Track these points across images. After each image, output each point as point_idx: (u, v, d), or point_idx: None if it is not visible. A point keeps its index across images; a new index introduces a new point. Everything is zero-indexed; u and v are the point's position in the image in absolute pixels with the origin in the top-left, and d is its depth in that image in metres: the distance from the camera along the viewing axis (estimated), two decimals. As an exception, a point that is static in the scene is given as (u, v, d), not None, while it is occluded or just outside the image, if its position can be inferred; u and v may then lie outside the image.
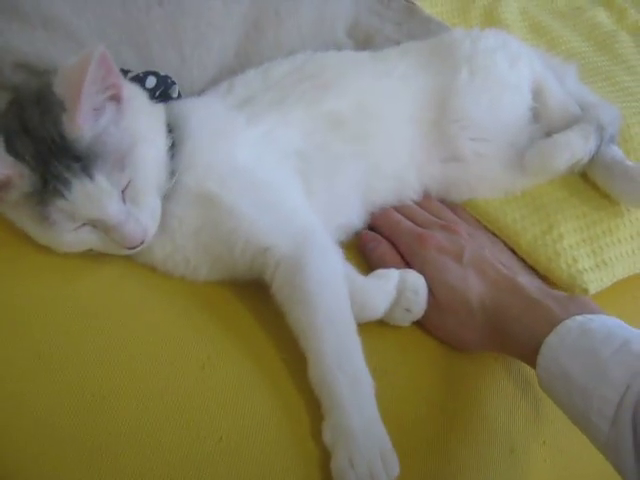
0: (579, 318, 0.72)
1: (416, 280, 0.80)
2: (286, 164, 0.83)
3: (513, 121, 0.94)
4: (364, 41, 1.08)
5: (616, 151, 0.93)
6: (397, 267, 0.83)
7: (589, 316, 0.72)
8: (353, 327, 0.72)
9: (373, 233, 0.89)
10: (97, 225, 0.72)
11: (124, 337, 0.71)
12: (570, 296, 0.79)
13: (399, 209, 0.91)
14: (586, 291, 0.85)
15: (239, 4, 0.94)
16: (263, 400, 0.70)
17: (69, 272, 0.74)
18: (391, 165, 0.90)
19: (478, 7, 1.25)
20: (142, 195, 0.73)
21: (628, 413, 0.63)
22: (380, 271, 0.81)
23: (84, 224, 0.72)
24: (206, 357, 0.71)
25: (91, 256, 0.75)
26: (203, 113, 0.83)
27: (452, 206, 0.93)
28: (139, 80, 0.80)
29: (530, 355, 0.74)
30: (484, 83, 0.93)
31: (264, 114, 0.84)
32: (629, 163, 0.91)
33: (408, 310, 0.80)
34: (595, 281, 0.86)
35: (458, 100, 0.92)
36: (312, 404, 0.69)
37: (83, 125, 0.69)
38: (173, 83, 0.83)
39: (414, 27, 1.11)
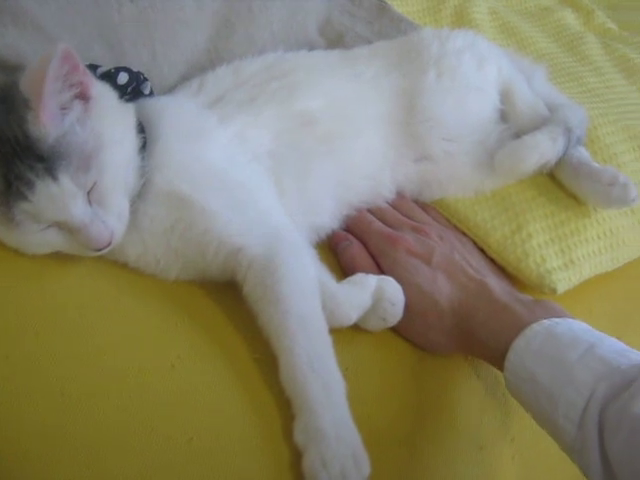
0: (545, 322, 0.73)
1: (394, 291, 0.79)
2: (258, 164, 0.82)
3: (480, 122, 0.95)
4: (335, 39, 1.08)
5: (583, 153, 0.94)
6: (368, 268, 0.83)
7: (555, 320, 0.73)
8: (324, 328, 0.72)
9: (345, 233, 0.89)
10: (63, 227, 0.71)
11: (93, 337, 0.70)
12: (537, 300, 0.80)
13: (372, 210, 0.91)
14: (554, 290, 0.86)
15: (211, 1, 0.93)
16: (234, 400, 0.70)
17: (37, 271, 0.73)
18: (364, 165, 0.90)
19: (448, 7, 1.26)
20: (108, 196, 0.72)
21: (594, 417, 0.64)
22: (357, 277, 0.80)
23: (50, 226, 0.70)
24: (176, 356, 0.71)
25: (59, 255, 0.74)
26: (174, 113, 0.82)
27: (424, 206, 0.94)
28: (110, 76, 0.79)
29: (498, 358, 0.75)
30: (451, 84, 0.94)
31: (235, 114, 0.84)
32: (595, 165, 0.93)
33: (384, 319, 0.79)
34: (563, 280, 0.87)
35: (426, 100, 0.93)
36: (283, 404, 0.68)
37: (48, 124, 0.67)
38: (145, 80, 0.82)
39: (385, 26, 1.11)
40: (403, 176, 0.93)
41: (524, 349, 0.71)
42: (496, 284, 0.82)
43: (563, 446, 0.69)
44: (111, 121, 0.73)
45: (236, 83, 0.89)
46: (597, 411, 0.64)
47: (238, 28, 0.97)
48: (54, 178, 0.67)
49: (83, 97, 0.71)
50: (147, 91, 0.82)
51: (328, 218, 0.88)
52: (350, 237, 0.88)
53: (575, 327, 0.72)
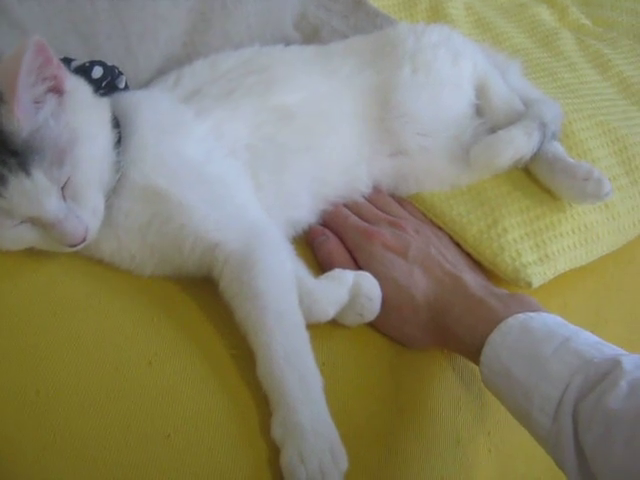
0: (520, 316, 0.73)
1: (371, 286, 0.80)
2: (235, 158, 0.82)
3: (455, 117, 0.95)
4: (311, 33, 1.08)
5: (558, 147, 0.95)
6: (344, 263, 0.84)
7: (530, 314, 0.73)
8: (301, 323, 0.72)
9: (322, 228, 0.89)
10: (36, 222, 0.70)
11: (69, 334, 0.70)
12: (512, 294, 0.80)
13: (348, 205, 0.91)
14: (530, 284, 0.86)
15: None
16: (211, 396, 0.70)
17: (10, 267, 0.73)
18: (340, 160, 0.90)
19: (424, 1, 1.25)
20: (83, 192, 0.71)
21: (568, 410, 0.65)
22: (334, 273, 0.80)
23: (23, 221, 0.69)
24: (153, 353, 0.71)
25: (34, 251, 0.73)
26: (150, 107, 0.81)
27: (400, 200, 0.94)
28: (85, 70, 0.78)
29: (473, 353, 0.75)
30: (426, 79, 0.94)
31: (212, 108, 0.84)
32: (570, 160, 0.93)
33: (361, 315, 0.80)
34: (538, 274, 0.87)
35: (400, 96, 0.93)
36: (261, 400, 0.69)
37: (21, 117, 0.66)
38: (120, 74, 0.81)
39: (361, 20, 1.11)
40: (379, 171, 0.93)
41: (499, 343, 0.72)
42: (472, 278, 0.82)
43: (538, 439, 0.69)
44: (85, 115, 0.73)
45: (213, 77, 0.88)
46: (572, 404, 0.65)
47: (214, 23, 0.96)
48: (27, 173, 0.66)
49: (57, 91, 0.71)
50: (122, 85, 0.82)
51: (305, 213, 0.88)
52: (327, 232, 0.88)
53: (550, 321, 0.73)
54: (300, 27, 1.07)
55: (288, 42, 1.02)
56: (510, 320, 0.73)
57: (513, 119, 0.95)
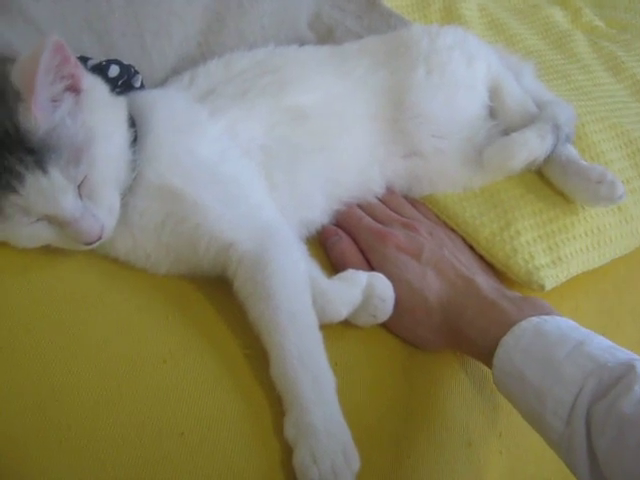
0: (534, 319, 0.73)
1: (385, 287, 0.80)
2: (249, 158, 0.82)
3: (469, 118, 0.95)
4: (325, 34, 1.08)
5: (571, 150, 0.95)
6: (357, 264, 0.84)
7: (544, 317, 0.73)
8: (315, 323, 0.73)
9: (335, 228, 0.89)
10: (53, 220, 0.70)
11: (84, 331, 0.70)
12: (525, 297, 0.80)
13: (362, 206, 0.91)
14: (542, 287, 0.86)
15: (201, -5, 0.93)
16: (225, 395, 0.70)
17: (27, 265, 0.73)
18: (353, 160, 0.90)
19: (437, 2, 1.25)
20: (99, 190, 0.71)
21: (582, 413, 0.65)
22: (348, 273, 0.80)
23: (40, 219, 0.70)
24: (167, 351, 0.71)
25: (49, 248, 0.73)
26: (166, 106, 0.82)
27: (414, 202, 0.94)
28: (101, 69, 0.78)
29: (486, 355, 0.75)
30: (440, 81, 0.94)
31: (227, 107, 0.84)
32: (583, 162, 0.93)
33: (374, 316, 0.80)
34: (551, 277, 0.87)
35: (415, 97, 0.93)
36: (274, 400, 0.69)
37: (39, 116, 0.67)
38: (136, 72, 0.81)
39: (375, 21, 1.11)
40: (392, 172, 0.93)
41: (512, 346, 0.72)
42: (484, 281, 0.82)
43: (550, 443, 0.69)
44: (102, 114, 0.73)
45: (227, 77, 0.88)
46: (585, 408, 0.65)
47: (229, 22, 0.96)
48: (44, 171, 0.67)
49: (74, 90, 0.71)
50: (138, 84, 0.82)
51: (318, 213, 0.88)
52: (340, 232, 0.88)
53: (563, 325, 0.73)
54: (314, 27, 1.07)
55: (302, 42, 1.02)
56: (523, 323, 0.73)
57: (526, 121, 0.95)
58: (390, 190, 0.94)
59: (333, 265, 0.86)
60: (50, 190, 0.67)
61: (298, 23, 1.05)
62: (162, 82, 0.91)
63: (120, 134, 0.75)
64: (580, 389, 0.66)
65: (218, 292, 0.77)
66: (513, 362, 0.71)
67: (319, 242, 0.89)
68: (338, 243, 0.87)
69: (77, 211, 0.69)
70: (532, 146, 0.91)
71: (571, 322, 0.74)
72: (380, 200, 0.93)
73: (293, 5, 1.04)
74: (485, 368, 0.81)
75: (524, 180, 0.96)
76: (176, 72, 0.92)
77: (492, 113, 0.98)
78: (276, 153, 0.84)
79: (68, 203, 0.69)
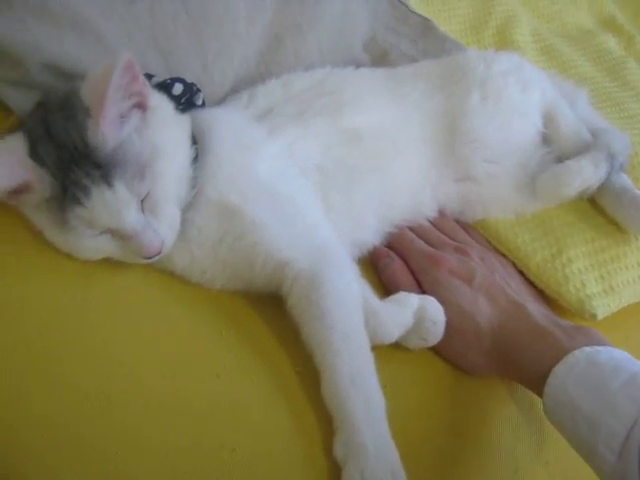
0: (587, 349, 0.73)
1: (436, 311, 0.80)
2: (306, 178, 0.84)
3: (523, 145, 0.95)
4: (380, 56, 1.08)
5: (625, 179, 0.95)
6: (408, 285, 0.84)
7: (597, 348, 0.73)
8: (367, 344, 0.73)
9: (387, 249, 0.89)
10: (115, 234, 0.72)
11: (141, 343, 0.72)
12: (577, 326, 0.80)
13: (413, 228, 0.92)
14: (594, 316, 0.86)
15: (262, 15, 0.94)
16: (276, 412, 0.71)
17: (87, 276, 0.74)
18: (406, 183, 0.91)
19: (491, 27, 1.25)
20: (161, 206, 0.73)
21: (636, 447, 0.64)
22: (400, 296, 0.80)
23: (103, 232, 0.72)
24: (222, 366, 0.72)
25: (110, 261, 0.75)
26: (226, 124, 0.83)
27: (465, 226, 0.95)
28: (165, 87, 0.80)
29: (535, 382, 0.75)
30: (495, 106, 0.95)
31: (284, 127, 0.85)
32: (637, 192, 0.93)
33: (424, 339, 0.80)
34: (603, 306, 0.87)
35: (469, 122, 0.93)
36: (324, 418, 0.69)
37: (107, 132, 0.69)
38: (198, 91, 0.83)
39: (429, 44, 1.11)
40: (444, 195, 0.94)
41: (565, 375, 0.72)
42: (536, 308, 0.82)
43: (600, 474, 0.68)
44: (167, 132, 0.75)
45: (285, 97, 0.90)
46: (638, 442, 0.64)
47: (287, 43, 0.97)
48: (109, 185, 0.69)
49: (141, 107, 0.73)
50: (199, 102, 0.83)
51: (370, 234, 0.89)
52: (391, 254, 0.89)
53: (617, 355, 0.73)
54: (369, 49, 1.08)
55: (357, 64, 1.03)
56: (577, 352, 0.73)
57: (580, 149, 0.95)
58: (442, 214, 0.94)
59: (384, 286, 0.86)
60: (114, 204, 0.69)
61: (353, 45, 1.06)
62: (221, 101, 0.92)
63: (183, 151, 0.77)
64: (634, 422, 0.65)
65: (269, 309, 0.78)
66: (566, 391, 0.71)
67: (370, 263, 0.89)
68: (390, 265, 0.87)
69: (139, 225, 0.71)
70: (586, 174, 0.91)
71: (625, 353, 0.73)
72: (432, 223, 0.93)
73: (349, 28, 1.05)
74: (532, 395, 0.80)
75: (576, 207, 0.96)
76: (234, 91, 0.94)
77: (546, 140, 0.98)
78: (332, 174, 0.85)
79: (131, 217, 0.70)
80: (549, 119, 0.98)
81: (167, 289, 0.77)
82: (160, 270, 0.78)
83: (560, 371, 0.72)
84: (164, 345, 0.72)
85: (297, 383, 0.73)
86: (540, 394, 0.74)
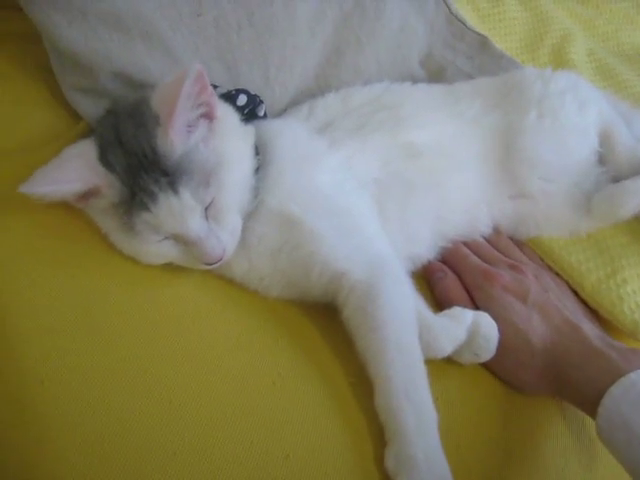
0: None
1: (490, 327, 0.80)
2: (364, 191, 0.85)
3: (578, 163, 0.95)
4: (436, 72, 1.09)
5: (682, 202, 0.94)
6: (461, 300, 0.85)
7: None
8: (420, 357, 0.73)
9: (440, 264, 0.90)
10: (179, 240, 0.74)
11: (200, 348, 0.73)
12: (632, 349, 0.79)
13: (468, 244, 0.92)
14: (649, 338, 0.86)
15: (323, 29, 0.96)
16: (329, 420, 0.72)
17: (150, 280, 0.77)
18: (461, 199, 0.91)
19: (546, 45, 1.25)
20: (224, 213, 0.75)
21: None
22: (454, 311, 0.81)
23: (167, 237, 0.74)
24: (277, 373, 0.73)
25: (172, 266, 0.77)
26: (288, 136, 0.85)
27: (519, 244, 0.95)
28: (230, 97, 0.82)
29: (588, 403, 0.75)
30: (552, 125, 0.94)
31: (344, 140, 0.86)
32: (693, 215, 0.92)
33: (476, 355, 0.80)
34: (657, 329, 0.87)
35: (526, 140, 0.93)
36: (376, 429, 0.70)
37: (176, 140, 0.71)
38: (261, 102, 0.85)
39: (486, 62, 1.12)
40: (499, 212, 0.94)
41: (620, 397, 0.71)
42: (590, 329, 0.82)
43: (655, 499, 0.68)
44: (232, 142, 0.77)
45: (344, 111, 0.91)
46: None
47: (347, 57, 0.99)
48: (176, 192, 0.71)
49: (208, 117, 0.75)
50: (261, 113, 0.85)
51: (425, 248, 0.90)
52: (445, 268, 0.89)
53: None
54: (426, 65, 1.09)
55: (414, 79, 1.04)
56: (632, 375, 0.72)
57: (636, 169, 0.94)
58: (496, 230, 0.95)
59: (437, 300, 0.87)
60: (180, 210, 0.71)
61: (411, 60, 1.07)
62: (281, 112, 0.94)
63: (247, 161, 0.78)
64: None
65: (323, 319, 0.79)
66: (621, 413, 0.70)
67: (423, 277, 0.90)
68: (443, 279, 0.88)
69: (203, 231, 0.73)
70: (643, 195, 0.91)
71: None
72: (487, 240, 0.94)
73: (407, 43, 1.06)
74: (584, 415, 0.80)
75: (632, 228, 0.95)
76: (293, 103, 0.95)
77: (601, 159, 0.97)
78: (389, 187, 0.86)
79: (195, 223, 0.72)
80: (605, 138, 0.97)
81: (224, 296, 0.79)
82: (218, 277, 0.80)
83: (614, 393, 0.72)
84: (221, 350, 0.73)
85: (350, 393, 0.74)
86: (592, 415, 0.74)
